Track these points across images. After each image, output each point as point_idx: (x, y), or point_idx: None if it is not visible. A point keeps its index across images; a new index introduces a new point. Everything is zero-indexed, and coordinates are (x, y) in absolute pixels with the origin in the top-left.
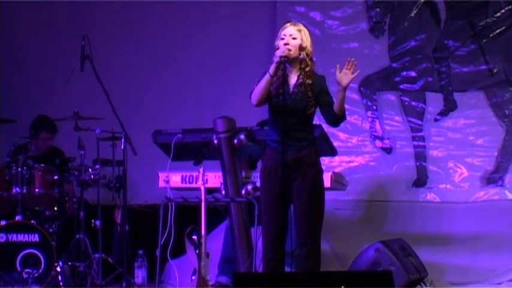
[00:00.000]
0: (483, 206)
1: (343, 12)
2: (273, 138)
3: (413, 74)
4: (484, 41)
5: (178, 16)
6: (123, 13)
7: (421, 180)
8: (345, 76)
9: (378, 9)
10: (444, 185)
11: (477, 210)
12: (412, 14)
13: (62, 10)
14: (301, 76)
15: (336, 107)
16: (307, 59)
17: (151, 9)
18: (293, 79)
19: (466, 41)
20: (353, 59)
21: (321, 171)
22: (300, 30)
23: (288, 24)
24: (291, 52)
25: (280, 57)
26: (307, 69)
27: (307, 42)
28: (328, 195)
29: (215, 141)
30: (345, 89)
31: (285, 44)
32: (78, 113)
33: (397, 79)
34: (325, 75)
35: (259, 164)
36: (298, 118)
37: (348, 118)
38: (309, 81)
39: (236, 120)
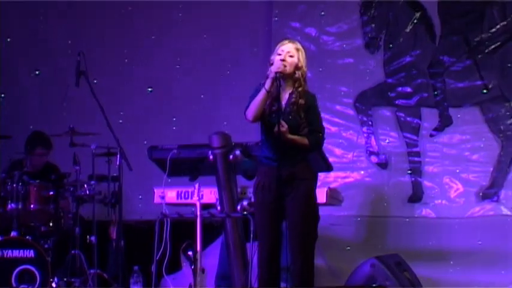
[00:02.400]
0: (479, 222)
1: (338, 28)
2: (266, 155)
3: (408, 89)
4: (480, 56)
5: (172, 32)
6: (118, 27)
7: (416, 196)
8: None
9: (373, 25)
10: (440, 201)
11: (473, 226)
12: (408, 30)
13: (57, 27)
14: (293, 95)
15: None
16: (301, 79)
17: (144, 26)
18: (285, 97)
19: (461, 56)
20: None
21: (314, 186)
22: (298, 50)
23: (287, 41)
24: (286, 68)
25: (276, 72)
26: (300, 89)
27: (303, 63)
28: (324, 211)
29: (210, 157)
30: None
31: (282, 60)
32: (73, 128)
33: (393, 95)
34: (320, 90)
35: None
36: None
37: (343, 134)
38: (301, 101)
39: (231, 136)
